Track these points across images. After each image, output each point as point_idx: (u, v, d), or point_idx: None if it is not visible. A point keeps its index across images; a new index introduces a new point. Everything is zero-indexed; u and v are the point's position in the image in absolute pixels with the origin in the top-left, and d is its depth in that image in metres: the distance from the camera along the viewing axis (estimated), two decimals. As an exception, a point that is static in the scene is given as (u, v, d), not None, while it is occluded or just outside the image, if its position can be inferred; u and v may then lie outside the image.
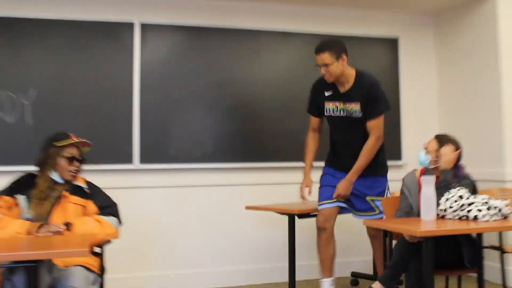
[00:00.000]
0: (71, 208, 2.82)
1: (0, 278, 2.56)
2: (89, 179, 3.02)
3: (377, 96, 3.47)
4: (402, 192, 3.30)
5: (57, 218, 2.74)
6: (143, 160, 4.40)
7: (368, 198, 3.60)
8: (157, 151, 4.46)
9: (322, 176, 3.71)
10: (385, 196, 3.61)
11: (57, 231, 2.62)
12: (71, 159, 2.91)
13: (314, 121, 3.74)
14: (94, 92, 4.35)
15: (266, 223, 4.62)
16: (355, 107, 3.49)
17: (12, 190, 2.84)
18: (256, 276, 4.62)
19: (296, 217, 3.77)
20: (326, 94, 3.57)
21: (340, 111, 3.55)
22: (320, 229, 3.56)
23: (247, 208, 4.02)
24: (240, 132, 4.62)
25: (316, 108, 3.68)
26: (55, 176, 2.88)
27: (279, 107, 4.71)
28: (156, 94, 4.47)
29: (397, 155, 4.96)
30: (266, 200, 4.25)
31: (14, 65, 4.23)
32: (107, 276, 2.82)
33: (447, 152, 3.17)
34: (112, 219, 2.83)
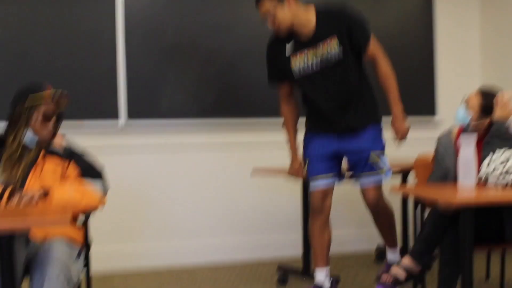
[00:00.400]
0: (48, 171, 2.78)
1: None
2: (69, 139, 2.98)
3: (356, 17, 3.35)
4: (436, 153, 3.23)
5: (32, 184, 2.72)
6: (131, 115, 4.37)
7: (372, 154, 3.41)
8: (147, 105, 4.43)
9: (306, 146, 3.55)
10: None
11: (32, 197, 2.56)
12: (47, 116, 2.85)
13: (283, 89, 3.55)
14: (69, 37, 4.30)
15: (277, 188, 4.61)
16: (331, 45, 3.28)
17: None
18: (264, 249, 4.66)
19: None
20: (288, 48, 3.34)
21: (312, 64, 3.32)
22: (315, 212, 3.47)
23: (254, 172, 3.99)
24: (245, 82, 4.55)
25: (279, 73, 3.47)
26: (29, 134, 2.83)
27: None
28: (145, 40, 4.42)
29: (431, 110, 4.85)
30: (276, 161, 4.17)
31: None
32: (93, 249, 2.87)
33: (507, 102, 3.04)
34: (97, 184, 2.81)
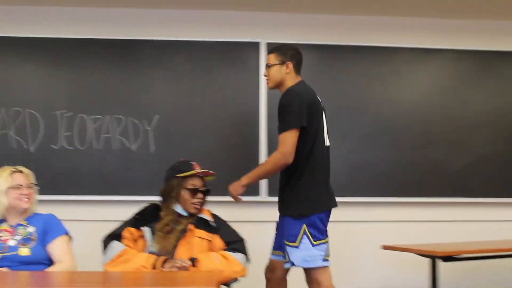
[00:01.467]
0: (196, 242, 2.92)
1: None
2: (214, 212, 3.13)
3: (285, 105, 3.20)
4: None
5: (182, 253, 2.85)
6: (271, 192, 4.39)
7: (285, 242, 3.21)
8: None
9: None
10: (297, 242, 3.15)
11: (182, 266, 2.70)
12: (194, 191, 3.04)
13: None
14: (217, 117, 4.47)
15: (404, 265, 4.47)
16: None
17: (137, 221, 3.02)
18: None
19: (438, 260, 3.60)
20: None
21: None
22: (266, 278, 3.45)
23: (385, 248, 3.91)
24: (377, 162, 4.54)
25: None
26: (178, 208, 3.02)
27: (420, 133, 4.60)
28: None
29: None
30: (403, 239, 4.13)
31: (135, 91, 4.49)
32: None
33: None
34: (239, 256, 2.87)
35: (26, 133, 4.44)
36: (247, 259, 2.94)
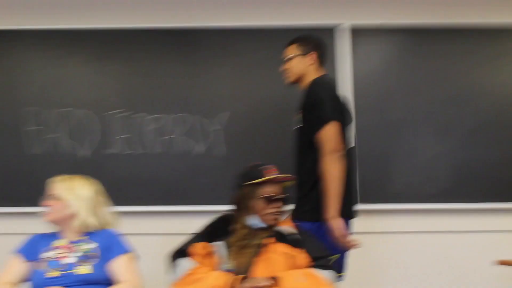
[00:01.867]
0: (277, 258, 2.76)
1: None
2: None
3: (316, 98, 3.12)
4: None
5: (260, 271, 2.71)
6: (361, 199, 4.16)
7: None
8: (377, 188, 4.24)
9: None
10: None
11: (264, 286, 2.59)
12: (269, 199, 2.89)
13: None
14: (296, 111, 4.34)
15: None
16: (297, 117, 3.30)
17: (208, 235, 2.90)
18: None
19: None
20: None
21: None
22: None
23: (502, 263, 3.61)
24: (485, 162, 4.19)
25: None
26: (254, 219, 2.88)
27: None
28: (372, 115, 4.27)
29: None
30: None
31: (201, 85, 4.40)
32: None
33: None
34: (328, 273, 2.71)
35: (78, 136, 4.45)
36: (335, 277, 2.80)
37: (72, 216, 2.91)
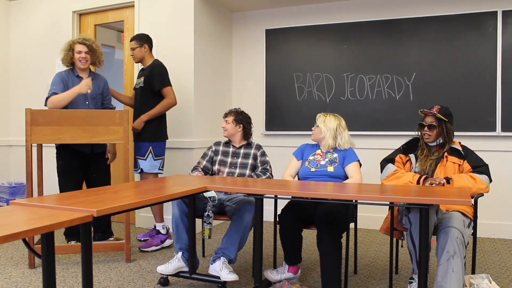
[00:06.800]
0: (449, 166, 2.85)
1: (396, 214, 2.85)
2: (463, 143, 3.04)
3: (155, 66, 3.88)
4: None
5: (439, 173, 2.83)
6: (504, 128, 4.17)
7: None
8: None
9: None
10: (145, 156, 3.84)
11: (439, 183, 2.69)
12: (422, 125, 2.94)
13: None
14: (461, 73, 4.34)
15: None
16: (138, 80, 4.00)
17: (405, 150, 3.02)
18: None
19: None
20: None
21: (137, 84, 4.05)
22: None
23: None
24: None
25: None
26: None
27: None
28: None
29: None
30: None
31: (398, 56, 4.46)
32: (479, 221, 2.84)
33: None
34: (484, 177, 2.75)
35: (324, 89, 4.69)
36: (490, 180, 2.79)
37: (324, 138, 3.08)
